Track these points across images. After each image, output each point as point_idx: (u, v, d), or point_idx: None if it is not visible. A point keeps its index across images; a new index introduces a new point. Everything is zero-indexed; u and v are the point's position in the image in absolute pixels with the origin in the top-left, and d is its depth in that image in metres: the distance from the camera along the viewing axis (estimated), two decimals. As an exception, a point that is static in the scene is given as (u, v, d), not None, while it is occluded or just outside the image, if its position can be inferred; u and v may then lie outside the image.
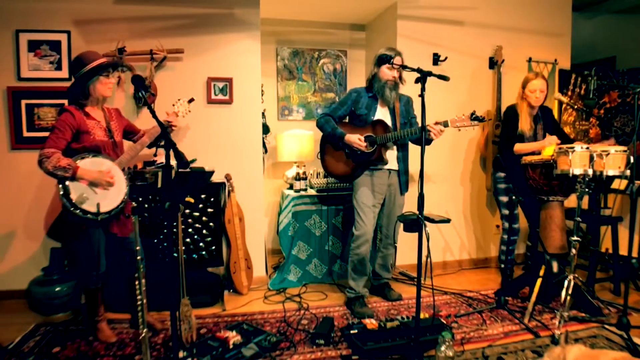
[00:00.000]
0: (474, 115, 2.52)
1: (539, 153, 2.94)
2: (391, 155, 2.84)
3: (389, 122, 2.81)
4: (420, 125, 2.83)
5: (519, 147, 3.03)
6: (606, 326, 2.53)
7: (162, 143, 2.31)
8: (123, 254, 2.43)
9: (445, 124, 2.60)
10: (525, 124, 3.04)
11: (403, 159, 2.90)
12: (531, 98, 3.01)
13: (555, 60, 3.96)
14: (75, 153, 2.22)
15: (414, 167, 3.04)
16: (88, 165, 2.19)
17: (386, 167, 2.83)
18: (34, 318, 2.74)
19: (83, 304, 2.83)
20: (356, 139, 2.73)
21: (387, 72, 2.76)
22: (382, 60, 2.74)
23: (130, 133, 2.59)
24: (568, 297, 2.36)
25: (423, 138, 2.09)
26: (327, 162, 2.94)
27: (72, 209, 2.13)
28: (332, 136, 2.84)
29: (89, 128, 2.26)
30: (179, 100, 2.74)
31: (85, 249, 2.32)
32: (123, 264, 2.47)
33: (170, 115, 2.65)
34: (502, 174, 3.25)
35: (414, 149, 3.02)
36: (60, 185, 2.13)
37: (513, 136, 3.06)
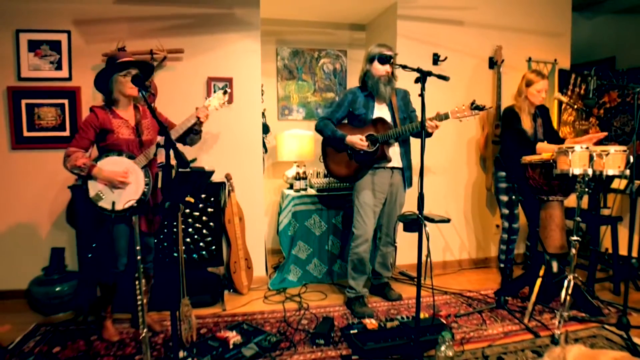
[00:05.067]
0: (474, 105, 2.52)
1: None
2: (393, 152, 2.84)
3: (388, 118, 2.81)
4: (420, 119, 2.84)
5: (541, 146, 2.93)
6: (606, 326, 2.54)
7: (162, 143, 2.30)
8: (146, 251, 2.46)
9: (446, 116, 2.59)
10: (526, 123, 3.05)
11: (405, 154, 2.90)
12: (537, 97, 3.02)
13: (555, 60, 3.96)
14: (101, 151, 2.29)
15: (415, 162, 3.04)
16: (106, 164, 2.23)
17: (389, 165, 2.82)
18: (34, 318, 2.75)
19: (85, 303, 2.83)
20: (357, 140, 2.73)
21: (379, 68, 2.75)
22: (381, 59, 2.73)
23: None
24: (568, 297, 2.36)
25: (423, 138, 2.09)
26: (330, 165, 2.92)
27: (93, 205, 2.23)
28: (332, 139, 2.83)
29: (114, 127, 2.28)
30: (214, 92, 2.50)
31: (107, 243, 2.36)
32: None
33: (199, 109, 2.43)
34: (503, 173, 3.26)
35: (415, 144, 3.02)
36: (83, 184, 2.23)
37: (522, 134, 3.00)
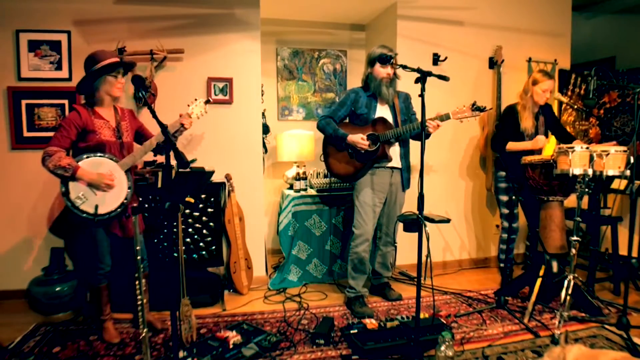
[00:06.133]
0: (475, 106, 2.56)
1: (539, 152, 2.95)
2: (394, 152, 2.84)
3: (390, 119, 2.82)
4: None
5: (511, 145, 3.07)
6: (606, 326, 2.54)
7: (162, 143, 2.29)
8: (127, 254, 2.43)
9: (447, 116, 2.62)
10: (527, 122, 3.07)
11: (405, 155, 2.90)
12: (541, 97, 3.04)
13: (555, 60, 3.96)
14: (81, 152, 2.23)
15: (415, 162, 3.05)
16: (90, 165, 2.19)
17: (389, 165, 2.83)
18: (34, 318, 2.74)
19: (84, 304, 2.83)
20: (359, 139, 2.73)
21: (381, 71, 2.76)
22: (382, 60, 2.73)
23: (142, 137, 2.54)
24: (568, 297, 2.36)
25: (423, 138, 2.09)
26: (331, 163, 2.93)
27: (72, 208, 2.16)
28: (334, 137, 2.84)
29: (96, 128, 2.25)
30: (195, 100, 2.59)
31: (89, 246, 2.33)
32: (125, 263, 2.47)
33: (183, 116, 2.49)
34: (503, 173, 3.26)
35: (414, 146, 3.03)
36: (62, 184, 2.16)
37: (508, 135, 3.10)
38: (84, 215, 2.17)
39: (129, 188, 2.28)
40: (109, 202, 2.22)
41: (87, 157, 2.20)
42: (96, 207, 2.16)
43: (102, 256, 2.35)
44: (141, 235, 2.52)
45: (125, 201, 2.27)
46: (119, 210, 2.25)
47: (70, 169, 2.12)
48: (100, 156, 2.23)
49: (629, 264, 2.57)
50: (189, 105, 2.57)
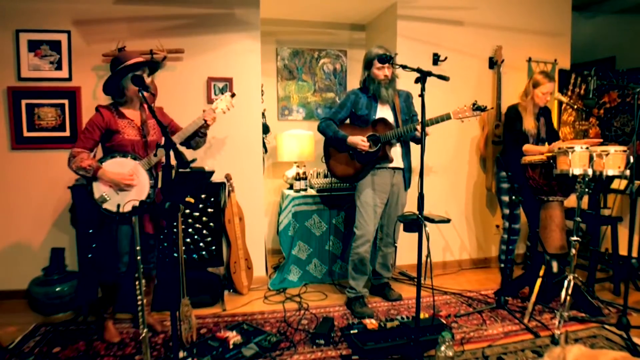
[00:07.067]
0: (476, 105, 2.56)
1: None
2: (395, 152, 2.84)
3: (390, 119, 2.81)
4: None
5: (528, 147, 3.03)
6: (606, 326, 2.54)
7: (162, 143, 2.29)
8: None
9: (448, 116, 2.62)
10: (529, 123, 3.06)
11: (406, 155, 2.91)
12: (542, 99, 3.04)
13: (555, 60, 3.96)
14: (107, 151, 2.28)
15: (415, 162, 3.05)
16: (112, 165, 2.22)
17: (390, 165, 2.83)
18: (34, 318, 2.75)
19: (84, 304, 2.83)
20: (359, 140, 2.73)
21: (378, 73, 2.75)
22: (381, 59, 2.69)
23: (172, 133, 2.48)
24: (568, 297, 2.37)
25: (423, 138, 2.09)
26: (333, 165, 2.93)
27: (95, 206, 2.22)
28: (334, 140, 2.84)
29: (120, 127, 2.26)
30: (222, 94, 2.50)
31: (109, 244, 2.35)
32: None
33: (206, 111, 2.39)
34: (504, 174, 3.26)
35: (415, 146, 3.03)
36: (87, 184, 2.22)
37: (521, 135, 3.06)
38: (109, 214, 2.23)
39: (151, 187, 2.29)
40: (131, 200, 2.23)
41: (111, 158, 2.24)
42: (118, 205, 2.20)
43: (121, 255, 2.35)
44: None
45: (148, 199, 2.29)
46: (138, 206, 2.25)
47: (91, 169, 2.15)
48: (122, 156, 2.25)
49: (629, 264, 2.57)
50: (213, 101, 2.49)
